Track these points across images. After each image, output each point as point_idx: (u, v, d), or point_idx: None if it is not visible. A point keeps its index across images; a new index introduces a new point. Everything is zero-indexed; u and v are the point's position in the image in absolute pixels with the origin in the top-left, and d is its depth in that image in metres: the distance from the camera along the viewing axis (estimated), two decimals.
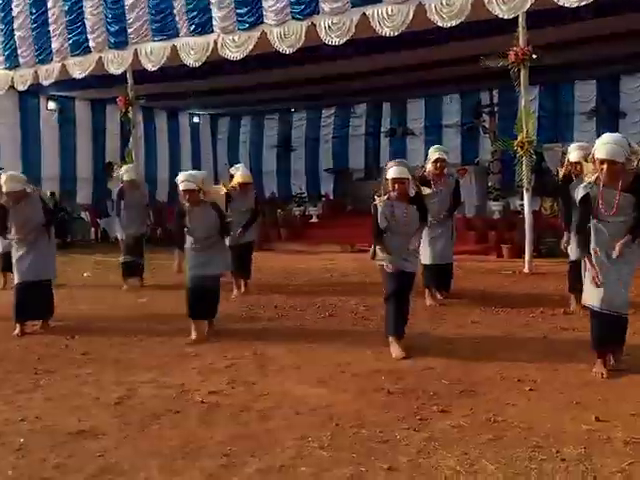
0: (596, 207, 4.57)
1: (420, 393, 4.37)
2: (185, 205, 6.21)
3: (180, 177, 6.21)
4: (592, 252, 4.61)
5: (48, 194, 11.32)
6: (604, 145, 4.44)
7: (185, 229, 6.25)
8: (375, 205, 5.42)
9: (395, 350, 5.31)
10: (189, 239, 6.29)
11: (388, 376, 4.78)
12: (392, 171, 5.28)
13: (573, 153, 6.46)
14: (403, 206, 5.37)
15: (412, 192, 5.39)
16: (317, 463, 3.37)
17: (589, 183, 4.64)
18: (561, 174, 6.75)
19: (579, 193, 4.72)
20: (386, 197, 5.37)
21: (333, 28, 10.10)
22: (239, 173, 8.61)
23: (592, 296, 4.66)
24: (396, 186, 5.26)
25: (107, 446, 3.69)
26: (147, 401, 4.42)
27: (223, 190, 7.14)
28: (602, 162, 4.43)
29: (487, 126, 15.14)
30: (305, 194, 17.96)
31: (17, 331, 6.58)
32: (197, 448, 3.61)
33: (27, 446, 3.73)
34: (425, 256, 7.24)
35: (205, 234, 6.22)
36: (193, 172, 6.69)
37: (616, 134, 4.67)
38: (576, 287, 6.58)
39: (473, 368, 4.91)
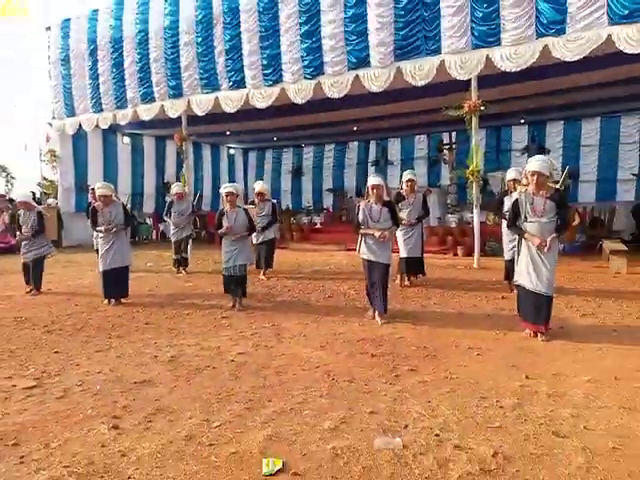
0: (525, 210, 4.60)
1: (395, 356, 4.35)
2: (225, 208, 6.32)
3: (225, 185, 6.47)
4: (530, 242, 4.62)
5: (129, 206, 11.40)
6: (534, 162, 4.57)
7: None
8: (359, 205, 5.56)
9: (378, 319, 5.48)
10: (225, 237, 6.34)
11: (371, 343, 4.75)
12: (371, 179, 5.52)
13: (510, 173, 6.63)
14: (378, 207, 5.46)
15: (385, 197, 5.51)
16: (318, 407, 3.34)
17: (519, 192, 4.76)
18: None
19: (512, 198, 4.81)
20: (366, 200, 5.51)
21: (334, 85, 10.10)
22: (256, 185, 8.92)
23: (523, 278, 4.70)
24: (374, 190, 5.41)
25: (162, 392, 3.67)
26: (192, 359, 4.41)
27: (254, 209, 7.34)
28: (533, 174, 4.53)
29: (447, 159, 15.04)
30: (312, 207, 17.93)
31: (106, 302, 6.75)
32: (228, 395, 3.58)
33: (102, 391, 3.71)
34: (401, 251, 7.49)
35: (237, 231, 6.24)
36: (234, 183, 6.86)
37: (543, 155, 4.76)
38: (508, 277, 6.68)
39: (435, 337, 4.88)
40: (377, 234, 5.31)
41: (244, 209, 6.37)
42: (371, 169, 18.72)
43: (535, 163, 4.52)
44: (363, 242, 5.51)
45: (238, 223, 6.25)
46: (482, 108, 8.96)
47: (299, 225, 14.95)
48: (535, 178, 4.47)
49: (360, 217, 5.45)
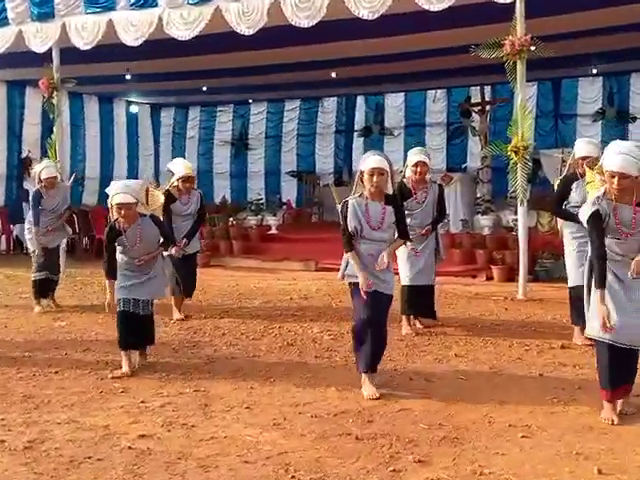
0: (607, 225, 4.53)
1: (393, 439, 4.34)
2: (119, 223, 6.00)
3: (113, 188, 6.02)
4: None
5: None
6: (615, 156, 4.43)
7: (118, 250, 6.08)
8: (346, 202, 5.27)
9: (368, 389, 5.25)
10: (121, 257, 6.10)
11: (356, 418, 4.74)
12: (368, 160, 5.14)
13: (580, 147, 6.54)
14: (379, 205, 5.23)
15: (389, 189, 5.32)
16: None
17: (597, 197, 4.58)
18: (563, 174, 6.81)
19: (586, 209, 4.64)
20: (358, 194, 5.28)
21: (301, 7, 10.13)
22: (181, 166, 8.28)
23: (599, 326, 4.58)
24: (372, 177, 5.07)
25: None
26: (63, 446, 4.32)
27: (162, 198, 6.98)
28: (612, 175, 4.41)
29: (477, 127, 15.31)
30: (263, 201, 17.95)
31: None
32: None
33: None
34: (403, 275, 7.21)
35: (144, 252, 6.11)
36: (127, 181, 6.56)
37: (628, 142, 4.66)
38: (579, 318, 6.59)
39: (456, 410, 4.90)
40: (362, 281, 5.14)
41: (150, 216, 6.19)
42: (359, 141, 18.89)
43: (616, 158, 4.43)
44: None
45: (146, 241, 6.10)
46: (532, 48, 9.13)
47: (242, 230, 14.94)
48: (616, 181, 4.45)
49: (351, 223, 5.24)
